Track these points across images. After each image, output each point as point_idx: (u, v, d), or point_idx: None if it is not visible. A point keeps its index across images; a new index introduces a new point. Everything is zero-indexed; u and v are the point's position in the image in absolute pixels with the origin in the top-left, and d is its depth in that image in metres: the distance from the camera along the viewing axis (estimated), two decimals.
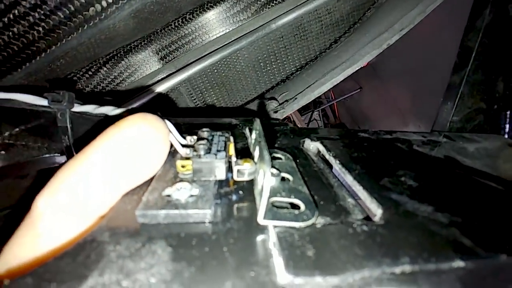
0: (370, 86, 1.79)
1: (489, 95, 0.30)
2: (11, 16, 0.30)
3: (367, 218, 0.15)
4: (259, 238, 0.13)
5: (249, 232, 0.13)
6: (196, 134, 0.19)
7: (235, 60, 0.53)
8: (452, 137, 0.29)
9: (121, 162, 0.14)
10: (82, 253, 0.11)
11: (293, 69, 0.58)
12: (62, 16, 0.30)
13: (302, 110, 2.10)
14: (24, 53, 0.32)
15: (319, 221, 0.14)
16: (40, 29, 0.30)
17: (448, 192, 0.18)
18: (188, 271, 0.11)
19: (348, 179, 0.19)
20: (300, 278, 0.11)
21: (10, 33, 0.31)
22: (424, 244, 0.13)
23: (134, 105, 0.46)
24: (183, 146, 0.18)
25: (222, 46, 0.49)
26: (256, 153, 0.17)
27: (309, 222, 0.14)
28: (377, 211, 0.15)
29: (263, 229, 0.13)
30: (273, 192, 0.15)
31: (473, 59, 0.29)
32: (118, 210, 0.14)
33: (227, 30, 0.49)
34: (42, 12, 0.29)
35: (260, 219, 0.13)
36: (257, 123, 0.18)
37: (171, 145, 0.19)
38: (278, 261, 0.12)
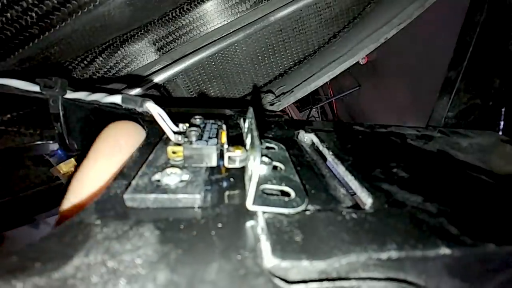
0: (369, 84, 1.78)
1: (485, 91, 0.30)
2: (4, 1, 0.29)
3: (357, 207, 0.15)
4: (248, 223, 0.13)
5: (238, 218, 0.13)
6: (188, 122, 0.19)
7: (232, 52, 0.52)
8: (446, 132, 0.29)
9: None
10: (69, 234, 0.11)
11: (291, 63, 0.57)
12: (55, 1, 0.29)
13: (301, 107, 2.10)
14: (17, 39, 0.31)
15: (309, 208, 0.14)
16: (34, 14, 0.30)
17: (439, 184, 0.18)
18: (174, 253, 0.11)
19: (341, 169, 0.19)
20: (286, 262, 0.11)
21: (3, 18, 0.30)
22: (411, 232, 0.13)
23: (130, 93, 0.45)
24: (175, 133, 0.18)
25: (220, 38, 0.49)
26: (248, 141, 0.17)
27: (299, 209, 0.14)
28: (367, 200, 0.16)
29: (252, 215, 0.13)
30: (264, 180, 0.15)
31: (469, 54, 0.29)
32: (107, 194, 0.14)
33: (225, 22, 0.49)
34: None
35: (249, 205, 0.13)
36: (250, 111, 0.18)
37: (164, 132, 0.19)
38: (265, 245, 0.12)
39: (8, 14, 0.30)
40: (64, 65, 0.42)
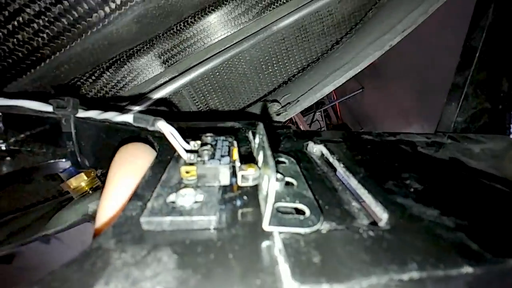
0: (372, 86, 1.78)
1: (493, 95, 0.30)
2: (16, 23, 0.30)
3: (373, 223, 0.15)
4: (265, 244, 0.13)
5: (254, 239, 0.13)
6: (199, 138, 0.20)
7: (236, 62, 0.53)
8: (456, 138, 0.28)
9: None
10: (88, 261, 0.12)
11: (295, 71, 0.58)
12: (66, 23, 0.30)
13: (304, 111, 2.10)
14: (29, 60, 0.32)
15: (324, 226, 0.14)
16: (45, 35, 0.31)
17: (454, 195, 0.18)
18: (194, 278, 0.11)
19: (353, 182, 0.19)
20: (306, 286, 0.11)
21: (15, 40, 0.31)
22: (431, 249, 0.13)
23: (136, 108, 0.46)
24: (187, 151, 0.18)
25: (224, 49, 0.50)
26: (260, 158, 0.17)
27: (314, 228, 0.14)
28: (382, 215, 0.15)
29: (268, 235, 0.13)
30: (278, 197, 0.15)
31: (477, 58, 0.29)
32: (123, 217, 0.14)
33: (229, 33, 0.49)
34: (47, 19, 0.30)
35: (266, 226, 0.13)
36: (261, 127, 0.18)
37: (175, 151, 0.19)
38: (284, 268, 0.11)
39: (20, 36, 0.31)
40: (73, 81, 0.43)
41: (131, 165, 0.19)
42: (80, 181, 0.43)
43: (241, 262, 0.12)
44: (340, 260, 0.12)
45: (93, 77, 0.45)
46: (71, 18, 0.30)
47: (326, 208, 0.16)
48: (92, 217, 0.41)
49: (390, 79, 1.57)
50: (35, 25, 0.30)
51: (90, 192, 0.43)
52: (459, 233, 0.14)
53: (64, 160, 0.27)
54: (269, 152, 0.14)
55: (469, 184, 0.20)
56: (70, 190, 0.43)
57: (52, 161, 0.26)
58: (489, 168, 0.23)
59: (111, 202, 0.17)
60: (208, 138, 0.19)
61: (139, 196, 0.16)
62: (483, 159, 0.24)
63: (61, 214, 0.43)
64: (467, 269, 0.12)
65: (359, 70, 0.37)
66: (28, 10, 0.29)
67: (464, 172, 0.22)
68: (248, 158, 0.20)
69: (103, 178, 0.48)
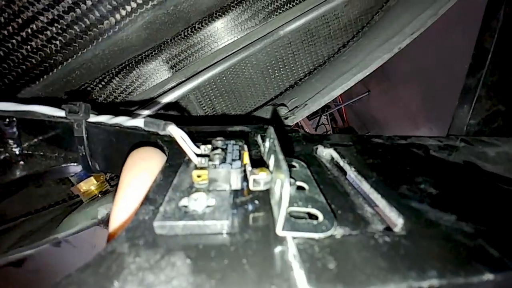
0: (379, 89, 1.76)
1: (507, 97, 0.29)
2: (30, 30, 0.31)
3: (387, 228, 0.15)
4: (278, 249, 0.13)
5: (268, 244, 0.13)
6: (209, 143, 0.20)
7: (243, 67, 0.53)
8: (470, 141, 0.28)
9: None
10: (104, 265, 0.12)
11: (301, 75, 0.58)
12: (78, 30, 0.31)
13: (310, 115, 2.09)
14: (42, 66, 0.33)
15: (338, 231, 0.14)
16: (58, 42, 0.32)
17: (471, 199, 0.18)
18: (208, 284, 0.11)
19: (365, 186, 0.18)
20: None
21: (29, 47, 0.32)
22: (450, 256, 0.12)
23: (146, 113, 0.46)
24: (198, 155, 0.18)
25: (231, 54, 0.50)
26: (271, 162, 0.17)
27: (329, 233, 0.13)
28: (397, 220, 0.15)
29: (281, 241, 0.13)
30: (290, 202, 0.15)
31: (489, 60, 0.28)
32: (136, 221, 0.14)
33: (236, 38, 0.50)
34: (59, 26, 0.31)
35: (279, 230, 0.13)
36: (271, 131, 0.18)
37: (185, 155, 0.19)
38: (299, 274, 0.11)
39: (34, 43, 0.32)
40: (83, 87, 0.44)
41: (142, 169, 0.19)
42: (90, 185, 0.43)
43: (255, 267, 0.12)
44: (356, 266, 0.12)
45: (103, 83, 0.46)
46: (83, 26, 0.31)
47: (339, 212, 0.16)
48: (101, 221, 0.41)
49: (396, 82, 1.56)
50: (48, 33, 0.31)
51: (100, 195, 0.44)
52: (479, 239, 0.14)
53: (75, 164, 0.28)
54: (281, 156, 0.14)
55: (486, 188, 0.19)
56: (80, 193, 0.44)
57: (64, 165, 0.27)
58: (506, 172, 0.22)
59: (124, 206, 0.17)
60: (219, 142, 0.19)
61: (151, 200, 0.16)
62: (499, 162, 0.24)
63: (71, 218, 0.44)
64: (488, 276, 0.12)
65: (368, 73, 0.37)
66: (41, 18, 0.30)
67: (480, 176, 0.21)
68: (258, 162, 0.19)
69: (112, 182, 0.48)
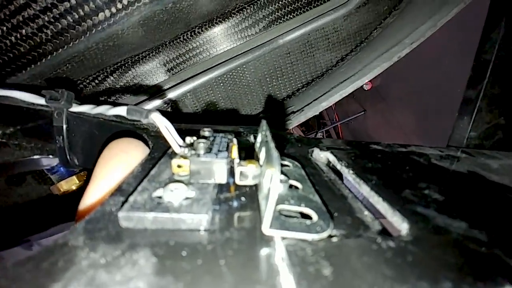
0: (374, 109, 1.79)
1: (508, 110, 0.28)
2: (20, 18, 0.30)
3: (390, 233, 0.13)
4: (264, 251, 0.11)
5: (252, 244, 0.11)
6: (197, 135, 0.18)
7: (241, 73, 0.53)
8: (471, 153, 0.26)
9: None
10: (48, 259, 0.09)
11: (299, 85, 0.57)
12: (71, 20, 0.30)
13: (306, 131, 2.10)
14: (30, 55, 0.32)
15: (335, 233, 0.12)
16: (48, 31, 0.30)
17: (481, 207, 0.16)
18: (174, 287, 0.09)
19: (364, 189, 0.17)
20: None
21: (18, 34, 0.31)
22: (465, 265, 0.10)
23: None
24: (181, 146, 0.16)
25: (229, 59, 0.50)
26: (261, 155, 0.15)
27: (324, 235, 0.11)
28: (401, 225, 0.13)
29: (268, 241, 0.11)
30: (281, 200, 0.13)
31: (489, 72, 0.28)
32: (100, 212, 0.12)
33: (234, 45, 0.50)
34: (52, 15, 0.30)
35: (266, 228, 0.11)
36: (264, 123, 0.17)
37: (169, 147, 0.17)
38: (287, 279, 0.09)
39: (23, 31, 0.31)
40: (76, 83, 0.42)
41: (120, 160, 0.17)
42: (71, 185, 0.40)
43: (235, 270, 0.10)
44: (356, 273, 0.10)
45: (97, 81, 0.45)
46: (77, 16, 0.30)
47: (335, 215, 0.14)
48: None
49: (392, 102, 1.59)
50: (40, 21, 0.30)
51: None
52: (494, 248, 0.12)
53: (51, 156, 0.26)
54: (272, 145, 0.13)
55: (494, 197, 0.18)
56: (60, 193, 0.41)
57: (37, 156, 0.25)
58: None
59: (94, 198, 0.15)
60: (206, 132, 0.17)
61: (122, 191, 0.14)
62: (504, 174, 0.22)
63: (46, 218, 0.41)
64: None
65: (367, 80, 0.37)
66: (34, 5, 0.29)
67: (487, 185, 0.20)
68: (248, 158, 0.18)
69: None
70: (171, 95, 0.48)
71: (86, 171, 0.40)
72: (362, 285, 0.09)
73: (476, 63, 0.30)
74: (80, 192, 0.35)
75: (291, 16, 0.51)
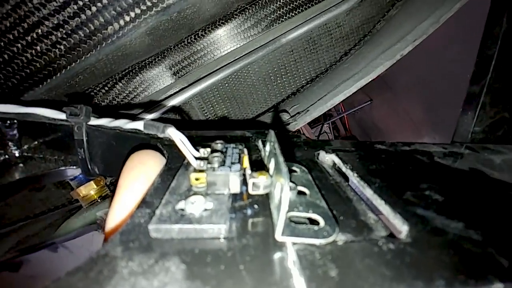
0: (380, 98, 1.77)
1: None
2: (35, 35, 0.31)
3: (392, 235, 0.14)
4: (277, 255, 0.12)
5: (266, 249, 0.12)
6: (209, 146, 0.19)
7: (245, 74, 0.54)
8: (475, 148, 0.27)
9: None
10: (95, 269, 0.11)
11: (303, 82, 0.58)
12: (82, 35, 0.31)
13: (312, 123, 2.09)
14: (46, 70, 0.34)
15: (340, 238, 0.13)
16: (62, 47, 0.32)
17: (478, 207, 0.17)
18: None
19: (368, 192, 0.18)
20: None
21: (33, 51, 0.32)
22: (459, 265, 0.12)
23: (148, 117, 0.46)
24: (197, 158, 0.18)
25: (233, 61, 0.50)
26: (271, 166, 0.17)
27: (330, 239, 0.13)
28: (402, 227, 0.14)
29: (280, 246, 0.13)
30: (290, 207, 0.15)
31: (493, 67, 0.28)
32: (131, 224, 0.14)
33: (238, 46, 0.50)
34: (64, 31, 0.31)
35: (278, 235, 0.13)
36: (272, 134, 0.18)
37: (184, 158, 0.19)
38: (299, 281, 0.11)
39: (38, 47, 0.33)
40: (87, 91, 0.44)
41: (141, 172, 0.19)
42: (90, 189, 0.43)
43: (253, 273, 0.11)
44: (359, 274, 0.11)
45: (106, 88, 0.46)
46: (87, 31, 0.31)
47: (341, 218, 0.15)
48: (100, 226, 0.41)
49: (399, 91, 1.56)
50: (53, 37, 0.31)
51: (99, 200, 0.43)
52: (489, 248, 0.13)
53: (74, 167, 0.27)
54: (281, 159, 0.14)
55: (494, 195, 0.19)
56: (80, 198, 0.44)
57: (62, 168, 0.27)
58: None
59: (121, 209, 0.17)
60: (218, 145, 0.19)
61: (147, 203, 0.15)
62: (506, 170, 0.23)
63: (69, 223, 0.44)
64: (498, 286, 0.11)
65: (370, 80, 0.37)
66: (47, 22, 0.30)
67: (487, 183, 0.20)
68: (258, 166, 0.19)
69: (112, 187, 0.48)
70: (179, 98, 0.49)
71: (103, 176, 0.42)
72: (364, 285, 0.10)
73: (479, 58, 0.30)
74: None
75: (293, 14, 0.51)
